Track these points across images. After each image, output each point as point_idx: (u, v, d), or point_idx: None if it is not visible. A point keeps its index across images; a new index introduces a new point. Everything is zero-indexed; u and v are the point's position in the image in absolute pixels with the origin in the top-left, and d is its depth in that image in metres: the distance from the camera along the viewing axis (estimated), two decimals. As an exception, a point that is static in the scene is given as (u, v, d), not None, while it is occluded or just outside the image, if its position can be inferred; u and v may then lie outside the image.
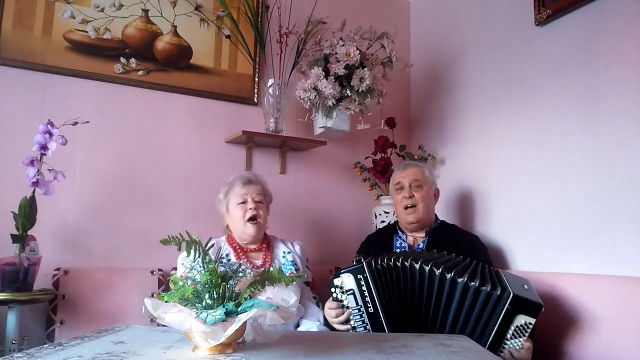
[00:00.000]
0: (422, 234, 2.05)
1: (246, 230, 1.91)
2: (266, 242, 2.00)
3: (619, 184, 1.72)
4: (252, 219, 1.91)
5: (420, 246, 2.01)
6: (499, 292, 1.50)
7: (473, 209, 2.37)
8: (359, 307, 1.68)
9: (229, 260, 1.86)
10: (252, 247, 1.97)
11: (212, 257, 1.80)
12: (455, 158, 2.53)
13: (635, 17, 1.71)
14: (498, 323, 1.50)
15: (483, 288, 1.51)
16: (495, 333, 1.50)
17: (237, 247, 1.94)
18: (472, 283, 1.52)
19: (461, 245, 1.92)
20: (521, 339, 1.51)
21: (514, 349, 1.51)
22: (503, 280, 1.57)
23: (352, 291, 1.69)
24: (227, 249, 1.93)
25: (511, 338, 1.52)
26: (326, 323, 1.81)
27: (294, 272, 1.92)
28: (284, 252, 2.00)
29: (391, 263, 1.65)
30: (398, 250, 2.03)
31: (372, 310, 1.66)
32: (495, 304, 1.51)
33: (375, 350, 1.10)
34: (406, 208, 2.03)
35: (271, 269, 1.12)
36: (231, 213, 1.96)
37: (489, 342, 1.50)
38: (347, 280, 1.71)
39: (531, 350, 1.54)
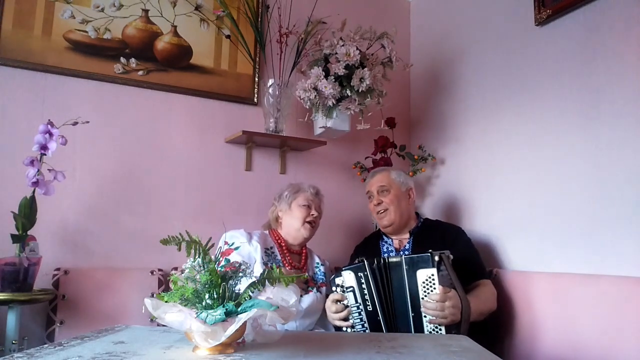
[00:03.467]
0: (407, 235, 2.07)
1: (301, 230, 2.02)
2: (306, 250, 2.11)
3: (619, 184, 1.71)
4: (311, 223, 2.04)
5: (407, 247, 2.03)
6: (394, 259, 1.71)
7: (473, 208, 2.37)
8: (357, 304, 1.70)
9: (272, 252, 1.97)
10: (296, 248, 2.07)
11: (259, 244, 1.91)
12: (455, 158, 2.53)
13: (635, 17, 1.71)
14: (407, 284, 1.66)
15: (392, 260, 1.72)
16: (410, 294, 1.65)
17: (283, 244, 2.03)
18: (394, 259, 1.72)
19: (445, 239, 1.95)
20: (433, 291, 1.60)
21: (434, 311, 1.58)
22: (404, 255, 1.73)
23: (352, 288, 1.71)
24: (270, 242, 2.02)
25: (425, 295, 1.62)
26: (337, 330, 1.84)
27: (325, 283, 2.04)
28: (317, 264, 2.11)
29: (387, 262, 1.70)
30: (386, 255, 2.05)
31: (371, 308, 1.68)
32: (400, 270, 1.68)
33: (375, 350, 1.10)
34: (378, 213, 2.08)
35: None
36: (293, 210, 2.05)
37: (409, 303, 1.64)
38: (347, 278, 1.73)
39: (453, 295, 1.60)
